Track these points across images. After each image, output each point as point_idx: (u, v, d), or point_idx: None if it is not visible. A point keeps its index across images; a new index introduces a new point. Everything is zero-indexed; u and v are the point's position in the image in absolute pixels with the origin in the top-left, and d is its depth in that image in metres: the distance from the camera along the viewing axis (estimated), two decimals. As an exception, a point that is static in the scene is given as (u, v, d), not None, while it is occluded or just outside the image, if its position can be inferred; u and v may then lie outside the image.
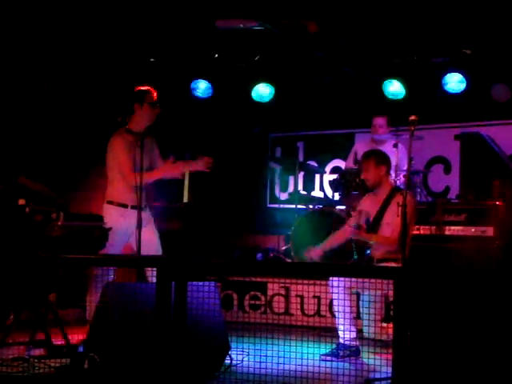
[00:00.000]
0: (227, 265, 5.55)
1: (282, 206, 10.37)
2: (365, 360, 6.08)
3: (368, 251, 6.95)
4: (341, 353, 6.30)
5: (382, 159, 6.97)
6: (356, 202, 7.56)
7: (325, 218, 8.61)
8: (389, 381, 4.72)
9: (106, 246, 6.43)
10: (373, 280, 5.65)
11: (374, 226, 6.82)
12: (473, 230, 7.39)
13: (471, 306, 4.26)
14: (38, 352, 5.78)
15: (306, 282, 7.80)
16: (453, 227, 7.53)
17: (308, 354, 5.28)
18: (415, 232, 7.40)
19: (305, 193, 10.41)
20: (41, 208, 5.95)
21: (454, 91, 9.16)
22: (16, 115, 8.82)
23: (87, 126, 9.41)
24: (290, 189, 10.64)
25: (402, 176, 8.52)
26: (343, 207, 8.97)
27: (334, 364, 5.03)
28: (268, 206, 11.24)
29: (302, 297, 7.98)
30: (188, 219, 9.49)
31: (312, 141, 11.01)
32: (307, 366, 5.05)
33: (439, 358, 4.18)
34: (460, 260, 7.03)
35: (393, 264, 6.56)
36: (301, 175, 10.57)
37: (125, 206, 6.53)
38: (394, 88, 9.50)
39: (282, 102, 10.40)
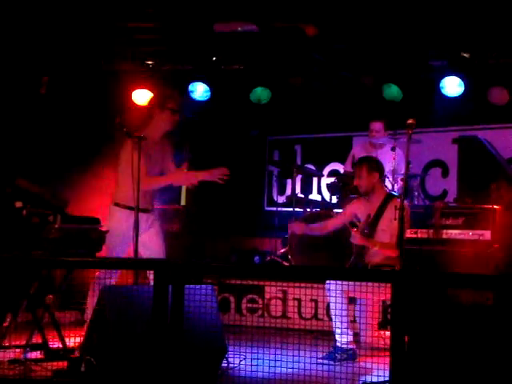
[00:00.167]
0: (224, 268, 5.55)
1: (279, 209, 10.35)
2: (362, 363, 6.08)
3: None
4: (338, 356, 6.30)
5: (375, 166, 7.00)
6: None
7: (322, 221, 8.59)
8: (386, 384, 4.72)
9: (108, 249, 6.44)
10: (370, 284, 5.65)
11: (369, 232, 6.83)
12: (470, 233, 7.40)
13: (469, 310, 4.26)
14: (34, 355, 5.78)
15: (303, 285, 7.80)
16: (450, 231, 7.54)
17: (305, 358, 5.27)
18: (413, 235, 7.41)
19: (302, 196, 10.41)
20: (38, 210, 5.94)
21: (451, 95, 9.17)
22: (14, 117, 8.82)
23: (85, 128, 9.41)
24: (288, 192, 10.63)
25: (399, 179, 8.52)
26: (341, 210, 8.96)
27: (331, 367, 5.04)
28: (265, 209, 11.24)
29: (299, 300, 7.97)
30: (185, 222, 9.49)
31: (310, 144, 11.02)
32: (304, 369, 5.04)
33: (436, 362, 4.17)
34: (457, 263, 7.03)
35: (390, 268, 6.57)
36: (298, 178, 10.55)
37: (132, 208, 6.49)
38: (392, 92, 9.51)
39: (280, 104, 10.40)
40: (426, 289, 4.34)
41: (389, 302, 6.65)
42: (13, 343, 5.89)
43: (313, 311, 7.87)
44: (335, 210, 8.98)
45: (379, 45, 8.97)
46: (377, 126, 8.97)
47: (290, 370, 5.04)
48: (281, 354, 5.03)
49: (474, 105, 9.32)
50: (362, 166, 7.01)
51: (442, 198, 9.57)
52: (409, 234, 7.36)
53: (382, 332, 6.69)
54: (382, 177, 7.15)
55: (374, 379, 5.11)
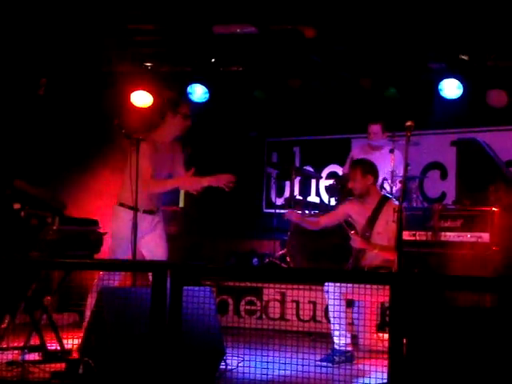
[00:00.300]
0: (223, 270, 5.55)
1: (277, 210, 10.34)
2: (360, 366, 6.07)
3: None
4: (336, 358, 6.30)
5: (369, 168, 7.01)
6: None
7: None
8: (384, 387, 4.72)
9: (112, 249, 6.45)
10: (368, 286, 5.65)
11: (364, 235, 6.83)
12: (469, 235, 7.39)
13: (467, 312, 4.25)
14: (32, 356, 5.77)
15: (301, 287, 7.79)
16: (449, 233, 7.52)
17: (303, 360, 5.27)
18: (411, 238, 7.40)
19: (301, 198, 10.40)
20: (36, 212, 5.94)
21: (450, 97, 9.16)
22: (12, 119, 8.81)
23: (83, 130, 9.41)
24: (286, 194, 10.62)
25: (398, 182, 8.52)
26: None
27: (330, 370, 5.03)
28: (264, 210, 11.23)
29: (297, 302, 7.96)
30: (184, 223, 9.48)
31: (308, 146, 11.02)
32: (302, 371, 5.04)
33: (435, 364, 4.17)
34: (456, 266, 7.02)
35: (385, 272, 6.58)
36: (297, 180, 10.55)
37: (137, 209, 6.50)
38: (391, 94, 9.53)
39: (278, 106, 10.40)
40: (424, 291, 4.34)
41: (387, 305, 6.65)
42: (11, 345, 5.88)
43: (311, 313, 7.87)
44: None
45: (378, 47, 8.97)
46: (374, 128, 8.98)
47: (288, 372, 5.04)
48: (279, 356, 5.03)
49: (473, 107, 9.32)
50: (356, 169, 7.01)
51: (440, 200, 9.56)
52: (407, 236, 7.35)
53: (380, 334, 6.69)
54: (377, 179, 7.16)
55: (373, 382, 5.10)
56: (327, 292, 6.46)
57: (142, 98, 9.73)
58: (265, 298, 8.18)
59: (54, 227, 5.86)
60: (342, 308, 6.33)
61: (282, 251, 9.33)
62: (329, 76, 9.87)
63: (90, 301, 6.16)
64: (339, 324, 6.37)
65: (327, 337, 6.61)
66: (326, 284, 6.46)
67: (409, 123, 5.99)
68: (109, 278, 6.04)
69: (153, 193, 6.55)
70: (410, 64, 9.28)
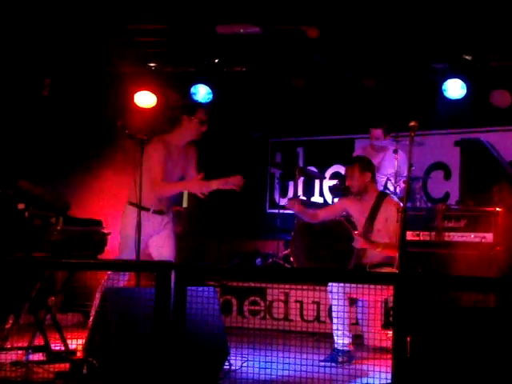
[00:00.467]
0: (226, 270, 5.55)
1: (281, 211, 10.34)
2: (364, 366, 6.08)
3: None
4: (339, 358, 6.30)
5: (367, 166, 6.99)
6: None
7: (325, 224, 8.59)
8: (388, 387, 4.72)
9: (120, 247, 6.47)
10: (372, 286, 5.65)
11: (367, 235, 6.82)
12: (472, 235, 7.39)
13: (471, 312, 4.25)
14: (36, 357, 5.78)
15: (305, 287, 7.80)
16: (452, 233, 7.53)
17: (307, 360, 5.27)
18: (415, 238, 7.40)
19: (304, 198, 10.40)
20: (40, 212, 5.94)
21: (454, 97, 9.15)
22: (16, 119, 8.83)
23: (87, 131, 9.41)
24: (290, 194, 10.62)
25: (401, 182, 8.52)
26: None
27: (333, 369, 5.03)
28: (267, 211, 11.23)
29: (301, 302, 7.96)
30: (187, 224, 9.48)
31: (312, 146, 11.01)
32: (306, 371, 5.04)
33: (439, 364, 4.17)
34: (460, 266, 7.02)
35: (388, 268, 6.58)
36: (300, 180, 10.56)
37: (147, 209, 6.53)
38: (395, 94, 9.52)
39: (282, 107, 10.40)
40: (428, 291, 4.34)
41: (391, 304, 6.66)
42: (15, 345, 5.88)
43: (315, 313, 7.87)
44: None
45: (382, 47, 8.97)
46: (376, 132, 8.95)
47: (291, 372, 5.05)
48: (283, 357, 5.03)
49: (477, 107, 9.30)
50: (353, 166, 6.99)
51: (444, 200, 9.56)
52: (411, 236, 7.36)
53: (385, 332, 6.68)
54: (374, 176, 7.13)
55: (377, 382, 5.10)
56: (331, 292, 6.46)
57: (145, 99, 9.74)
58: (268, 298, 8.19)
59: (58, 227, 5.87)
60: (344, 308, 6.33)
61: (286, 251, 9.33)
62: (332, 76, 9.87)
63: (97, 301, 6.18)
64: (343, 324, 6.37)
65: (331, 337, 6.61)
66: (330, 284, 6.46)
67: (412, 123, 5.98)
68: (118, 279, 6.06)
69: (162, 195, 6.58)
70: (413, 64, 9.27)
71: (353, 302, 6.76)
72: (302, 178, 10.58)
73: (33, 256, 5.75)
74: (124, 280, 6.24)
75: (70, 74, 9.35)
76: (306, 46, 9.00)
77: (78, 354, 5.63)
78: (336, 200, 9.16)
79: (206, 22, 8.47)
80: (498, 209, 7.39)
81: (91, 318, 6.08)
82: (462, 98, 9.15)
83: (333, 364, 6.07)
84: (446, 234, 7.56)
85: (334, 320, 6.48)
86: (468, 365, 4.11)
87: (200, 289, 5.25)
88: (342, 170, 10.28)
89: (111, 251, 6.51)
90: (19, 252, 5.82)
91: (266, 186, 11.22)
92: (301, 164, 10.81)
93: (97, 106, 9.42)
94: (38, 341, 5.94)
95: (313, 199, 10.68)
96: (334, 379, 4.81)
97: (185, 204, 9.64)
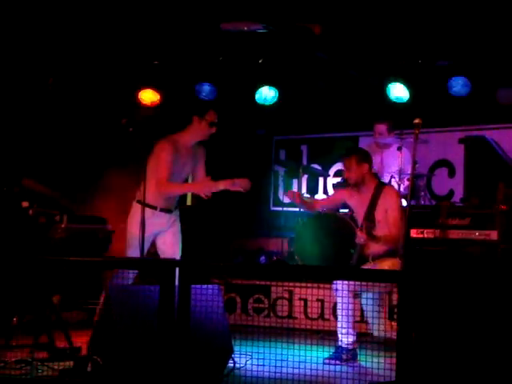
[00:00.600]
0: (231, 268, 5.55)
1: (285, 209, 10.34)
2: (368, 363, 6.08)
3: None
4: (344, 356, 6.30)
5: (364, 157, 6.94)
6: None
7: (328, 221, 8.58)
8: (392, 384, 4.71)
9: (127, 245, 6.48)
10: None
11: (370, 232, 6.79)
12: (477, 233, 7.36)
13: (475, 310, 4.25)
14: (41, 355, 5.78)
15: (309, 285, 7.80)
16: (457, 231, 7.51)
17: (311, 358, 5.27)
18: (419, 235, 7.39)
19: (308, 196, 10.40)
20: (44, 210, 5.95)
21: (458, 95, 9.14)
22: (20, 117, 8.83)
23: (91, 129, 9.42)
24: (294, 192, 10.61)
25: (406, 180, 8.51)
26: (346, 210, 8.95)
27: (338, 367, 5.03)
28: (271, 209, 11.23)
29: (305, 300, 7.97)
30: (191, 222, 9.49)
31: (316, 144, 11.01)
32: (310, 369, 5.03)
33: (443, 362, 4.17)
34: (464, 264, 7.01)
35: (391, 259, 6.57)
36: (304, 178, 10.55)
37: (154, 207, 6.55)
38: (398, 92, 9.49)
39: (286, 104, 10.39)
40: (431, 289, 4.34)
41: (394, 297, 6.67)
42: (19, 343, 5.89)
43: (319, 311, 7.88)
44: (342, 210, 8.98)
45: (386, 44, 8.96)
46: (380, 128, 8.95)
47: (296, 370, 5.03)
48: (287, 354, 5.03)
49: (482, 105, 9.29)
50: (350, 158, 6.92)
51: (448, 198, 9.55)
52: (415, 234, 7.34)
53: (391, 323, 6.66)
54: (372, 167, 7.09)
55: (381, 380, 5.10)
56: (336, 290, 6.46)
57: (149, 97, 9.74)
58: (273, 295, 8.19)
59: (62, 225, 5.88)
60: (350, 306, 6.32)
61: (290, 249, 9.33)
62: (336, 74, 9.86)
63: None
64: (347, 322, 6.36)
65: (335, 335, 6.61)
66: (335, 282, 6.45)
67: (417, 121, 5.98)
68: (128, 277, 6.06)
69: (166, 195, 6.59)
70: (418, 61, 9.26)
71: (357, 294, 6.74)
72: (305, 176, 10.58)
73: (37, 254, 5.76)
74: (132, 278, 6.24)
75: (74, 72, 9.35)
76: (310, 43, 8.99)
77: (83, 352, 5.64)
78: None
79: (210, 19, 8.47)
80: (502, 206, 7.37)
81: (96, 316, 6.08)
82: (466, 96, 9.13)
83: (337, 362, 6.08)
84: (450, 231, 7.54)
85: (339, 318, 6.48)
86: (470, 365, 4.11)
87: (204, 287, 5.25)
88: (346, 167, 10.27)
89: (116, 249, 6.53)
90: (24, 250, 5.83)
91: (269, 183, 11.21)
92: (305, 162, 10.80)
93: (101, 104, 9.43)
94: (43, 339, 5.94)
95: (317, 197, 10.67)
96: (338, 377, 4.81)
97: (188, 202, 9.65)
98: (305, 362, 5.17)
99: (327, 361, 6.11)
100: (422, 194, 8.67)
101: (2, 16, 8.04)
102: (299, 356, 5.21)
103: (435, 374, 4.18)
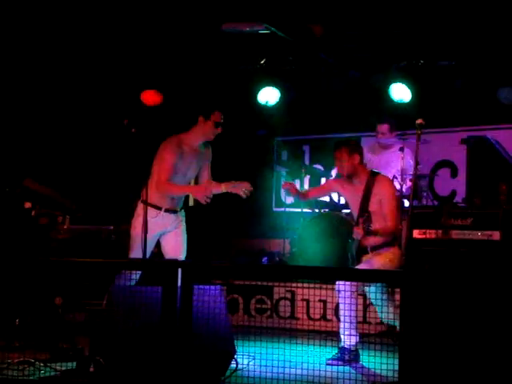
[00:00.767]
0: (233, 268, 5.55)
1: (287, 209, 10.33)
2: (371, 364, 6.07)
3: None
4: (346, 357, 6.28)
5: (354, 148, 6.89)
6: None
7: (330, 221, 8.58)
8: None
9: (131, 245, 6.48)
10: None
11: (361, 217, 6.73)
12: (479, 234, 7.36)
13: (478, 310, 4.24)
14: (43, 355, 5.78)
15: (311, 285, 7.79)
16: (459, 231, 7.50)
17: (314, 358, 5.27)
18: (421, 236, 7.39)
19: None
20: (47, 211, 5.95)
21: (459, 95, 9.14)
22: (22, 118, 8.84)
23: (93, 129, 9.42)
24: (296, 193, 10.60)
25: (408, 180, 8.50)
26: (349, 211, 8.95)
27: (340, 368, 5.02)
28: (273, 209, 11.22)
29: (307, 301, 7.96)
30: (193, 223, 9.48)
31: (318, 144, 10.99)
32: (313, 370, 5.03)
33: (446, 362, 4.16)
34: (466, 264, 7.01)
35: (390, 249, 6.56)
36: (306, 179, 10.54)
37: (158, 208, 6.55)
38: (400, 92, 9.49)
39: (288, 105, 10.39)
40: (434, 289, 4.33)
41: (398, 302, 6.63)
42: (22, 344, 5.89)
43: (321, 312, 7.87)
44: (344, 211, 8.98)
45: (388, 45, 8.96)
46: (382, 128, 8.95)
47: (298, 371, 5.03)
48: (289, 355, 5.03)
49: (484, 105, 9.29)
50: (341, 150, 6.86)
51: (450, 198, 9.55)
52: (417, 234, 7.34)
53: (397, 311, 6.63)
54: (363, 158, 7.05)
55: (384, 380, 5.10)
56: (338, 291, 6.44)
57: (152, 97, 9.74)
58: (275, 296, 8.19)
59: (65, 226, 5.88)
60: (353, 306, 6.31)
61: (292, 250, 9.32)
62: (338, 74, 9.86)
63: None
64: (350, 323, 6.35)
65: (338, 335, 6.60)
66: (337, 283, 6.44)
67: (419, 121, 5.97)
68: (131, 278, 6.06)
69: (165, 194, 6.59)
70: (420, 62, 9.26)
71: (361, 294, 6.73)
72: (307, 177, 10.56)
73: (39, 255, 5.76)
74: (136, 279, 6.23)
75: (76, 73, 9.36)
76: (312, 44, 9.00)
77: (85, 353, 5.64)
78: (342, 198, 9.14)
79: (211, 20, 8.47)
80: (504, 207, 7.37)
81: (98, 317, 6.08)
82: (468, 96, 9.13)
83: (340, 362, 6.07)
84: (453, 232, 7.54)
85: (342, 319, 6.47)
86: (473, 365, 4.10)
87: (206, 287, 5.25)
88: (348, 168, 10.27)
89: (119, 250, 6.52)
90: (26, 251, 5.83)
91: (271, 184, 11.20)
92: (306, 162, 10.79)
93: (103, 105, 9.44)
94: (45, 339, 5.94)
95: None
96: (340, 377, 4.80)
97: (191, 203, 9.63)
98: (307, 363, 5.17)
99: (330, 361, 6.11)
100: (425, 194, 8.66)
101: (3, 16, 8.05)
102: (302, 357, 5.22)
103: (438, 374, 4.18)
